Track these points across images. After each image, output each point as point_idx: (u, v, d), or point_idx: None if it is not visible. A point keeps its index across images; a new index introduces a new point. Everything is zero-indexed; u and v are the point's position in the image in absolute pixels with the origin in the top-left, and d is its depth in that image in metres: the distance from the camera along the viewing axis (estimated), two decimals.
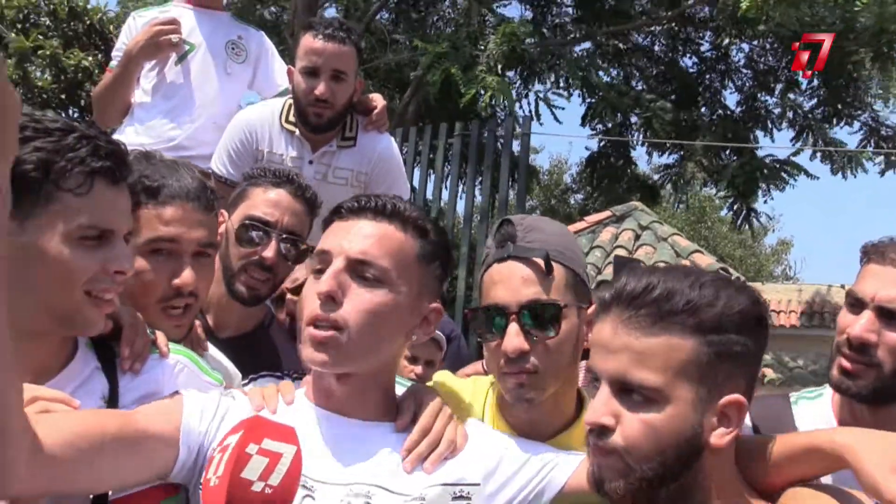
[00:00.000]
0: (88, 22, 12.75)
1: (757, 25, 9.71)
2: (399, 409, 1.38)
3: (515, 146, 9.01)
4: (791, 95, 11.41)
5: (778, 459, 1.14)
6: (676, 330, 1.06)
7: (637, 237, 8.49)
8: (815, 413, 1.70)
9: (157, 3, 3.29)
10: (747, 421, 1.44)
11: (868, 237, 1.66)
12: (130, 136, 3.10)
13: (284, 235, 1.96)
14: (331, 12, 12.12)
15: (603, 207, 10.61)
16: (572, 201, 23.09)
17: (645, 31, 12.24)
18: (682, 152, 11.57)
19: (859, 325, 1.54)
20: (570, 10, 12.31)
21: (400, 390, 1.44)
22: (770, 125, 11.51)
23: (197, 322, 1.74)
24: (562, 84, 11.11)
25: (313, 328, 1.26)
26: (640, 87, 12.13)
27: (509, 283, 1.40)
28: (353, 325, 1.26)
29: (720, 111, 11.89)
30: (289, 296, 2.34)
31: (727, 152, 11.22)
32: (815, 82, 10.92)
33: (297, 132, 2.80)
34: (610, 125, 11.44)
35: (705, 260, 7.87)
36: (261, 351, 2.07)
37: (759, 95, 11.93)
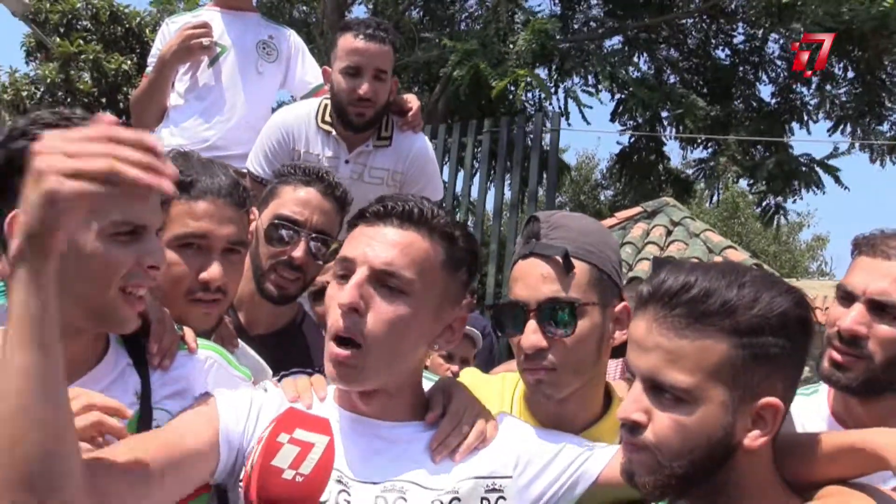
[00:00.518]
0: (127, 26, 12.98)
1: (792, 21, 9.54)
2: (429, 403, 1.38)
3: (545, 142, 8.98)
4: (828, 87, 11.18)
5: (817, 458, 1.13)
6: (710, 332, 1.04)
7: (669, 233, 8.38)
8: (809, 408, 1.69)
9: (189, 7, 3.34)
10: None
11: None
12: (166, 137, 3.15)
13: (314, 235, 1.96)
14: (359, 11, 12.19)
15: (634, 203, 10.51)
16: (602, 197, 22.92)
17: (677, 23, 12.09)
18: (715, 146, 11.42)
19: (850, 317, 1.54)
20: (599, 3, 12.21)
21: (427, 385, 1.44)
22: (806, 117, 11.30)
23: (227, 318, 1.75)
24: (591, 80, 11.03)
25: (335, 345, 1.25)
26: (671, 81, 11.98)
27: (529, 279, 1.41)
28: (374, 338, 1.23)
29: (754, 104, 11.71)
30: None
31: (760, 146, 11.05)
32: (851, 74, 10.70)
33: (334, 132, 2.81)
34: (640, 120, 11.34)
35: (738, 256, 7.74)
36: (292, 348, 2.08)
37: (794, 87, 11.72)
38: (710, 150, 11.84)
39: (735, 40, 12.22)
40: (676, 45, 12.44)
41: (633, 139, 12.11)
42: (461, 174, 9.16)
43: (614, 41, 11.97)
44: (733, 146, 10.91)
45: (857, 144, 10.75)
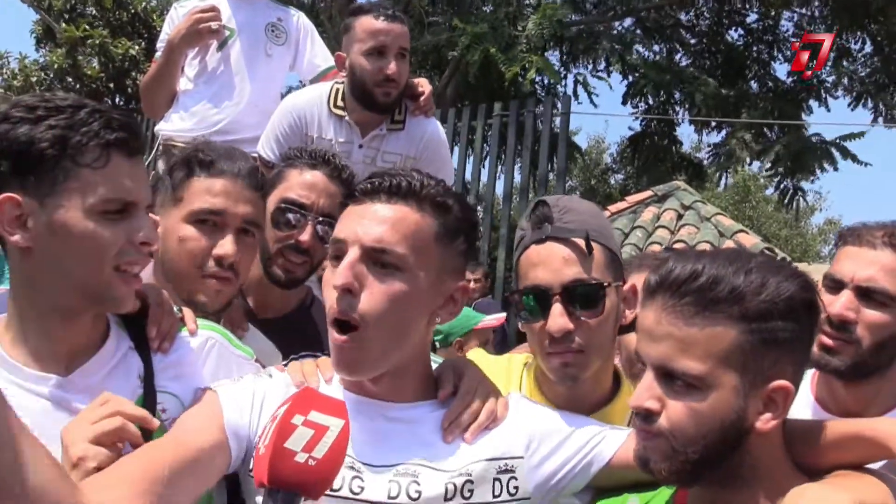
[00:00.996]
0: (133, 11, 12.98)
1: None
2: (439, 382, 1.37)
3: (555, 126, 8.91)
4: (844, 63, 11.03)
5: (825, 444, 1.14)
6: (720, 319, 1.05)
7: (679, 217, 8.32)
8: None
9: None
10: None
11: None
12: (176, 122, 3.15)
13: (321, 218, 1.96)
14: None
15: (645, 187, 10.45)
16: (612, 181, 22.80)
17: (688, 4, 11.95)
18: (728, 128, 11.31)
19: (840, 303, 1.61)
20: None
21: (434, 367, 1.43)
22: (823, 94, 11.15)
23: (236, 303, 1.75)
24: (602, 64, 10.94)
25: (335, 332, 1.24)
26: (683, 63, 11.87)
27: (550, 263, 1.40)
28: (370, 317, 1.22)
29: (769, 83, 11.57)
30: None
31: (775, 128, 10.93)
32: (869, 49, 10.53)
33: (347, 117, 2.80)
34: (652, 103, 11.24)
35: (750, 240, 7.68)
36: (301, 332, 2.08)
37: (810, 64, 11.56)
38: (723, 132, 11.73)
39: (748, 20, 12.08)
40: (688, 27, 12.30)
41: (644, 123, 12.02)
42: (471, 158, 9.12)
43: (626, 23, 11.86)
44: (746, 127, 10.79)
45: (880, 119, 10.59)
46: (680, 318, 1.07)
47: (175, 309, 1.43)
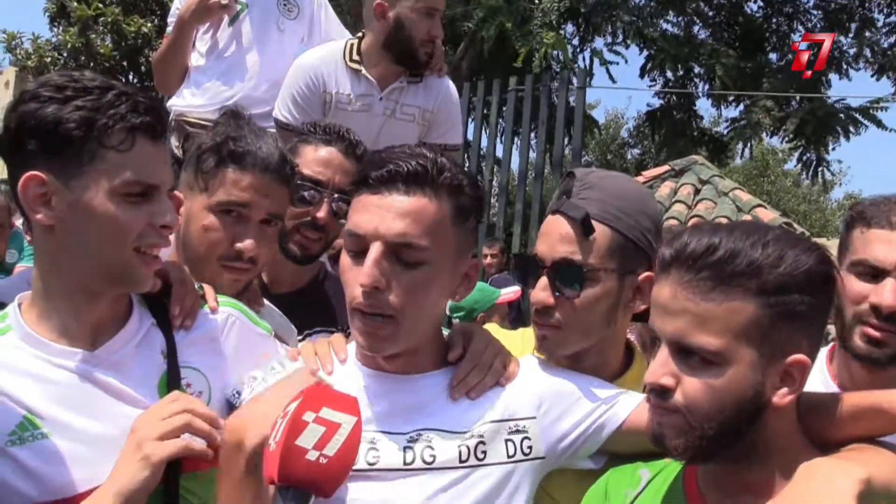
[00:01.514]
0: None
1: None
2: (449, 345, 1.38)
3: (571, 100, 8.83)
4: (867, 34, 10.79)
5: (840, 417, 1.13)
6: (738, 293, 1.03)
7: (697, 191, 8.22)
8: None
9: None
10: None
11: None
12: (188, 98, 3.13)
13: (336, 195, 1.96)
14: None
15: (662, 162, 10.35)
16: (629, 156, 22.62)
17: None
18: (746, 102, 11.15)
19: (891, 293, 1.49)
20: None
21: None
22: (845, 66, 10.94)
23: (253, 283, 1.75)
24: (619, 37, 10.79)
25: (361, 319, 1.25)
26: (702, 36, 11.68)
27: (549, 237, 1.41)
28: (401, 310, 1.24)
29: (789, 55, 11.38)
30: None
31: (796, 99, 10.76)
32: (893, 18, 10.30)
33: (363, 70, 2.80)
34: (670, 76, 11.09)
35: (768, 215, 7.59)
36: (315, 306, 2.08)
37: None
38: (742, 105, 11.57)
39: None
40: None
41: (663, 97, 11.87)
42: (486, 134, 9.07)
43: None
44: (765, 99, 10.62)
45: None
46: (697, 292, 1.04)
47: (196, 286, 1.45)
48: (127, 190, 1.20)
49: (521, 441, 1.31)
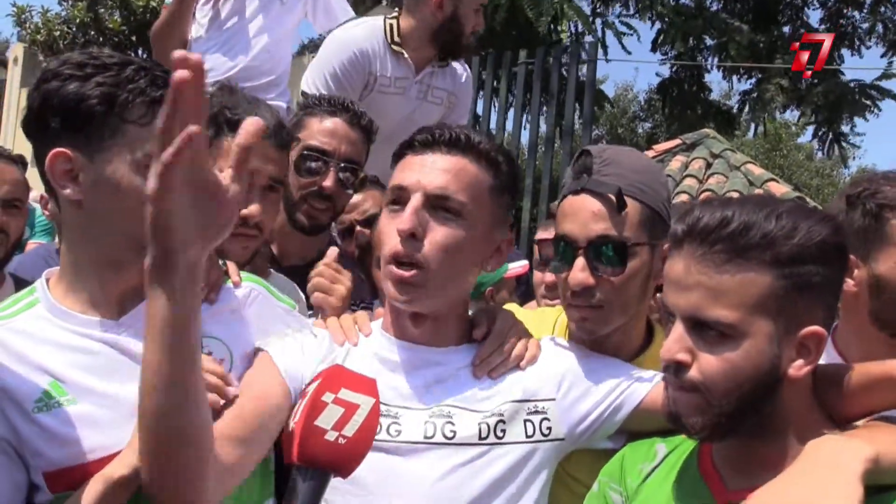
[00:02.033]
0: None
1: None
2: (474, 322, 1.42)
3: (581, 73, 8.73)
4: (882, 9, 10.61)
5: (854, 388, 1.12)
6: (752, 265, 1.03)
7: (708, 165, 8.15)
8: None
9: None
10: None
11: None
12: None
13: (343, 164, 1.98)
14: None
15: (673, 135, 10.26)
16: (640, 130, 22.44)
17: None
18: (759, 75, 11.00)
19: None
20: None
21: None
22: (858, 42, 10.78)
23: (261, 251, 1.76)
24: (631, 10, 10.64)
25: (395, 267, 1.29)
26: (714, 9, 11.50)
27: (579, 216, 1.39)
28: (433, 261, 1.28)
29: (802, 30, 11.21)
30: (358, 228, 2.35)
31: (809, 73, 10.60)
32: None
33: (405, 53, 2.80)
34: (682, 50, 10.95)
35: (780, 189, 7.52)
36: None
37: (845, 11, 11.16)
38: (754, 79, 11.42)
39: None
40: None
41: (674, 69, 11.73)
42: (495, 107, 9.00)
43: None
44: (779, 73, 10.47)
45: None
46: (711, 266, 1.04)
47: (220, 262, 1.48)
48: (149, 162, 1.19)
49: (541, 422, 1.34)
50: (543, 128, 9.17)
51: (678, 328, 1.08)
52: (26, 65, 16.26)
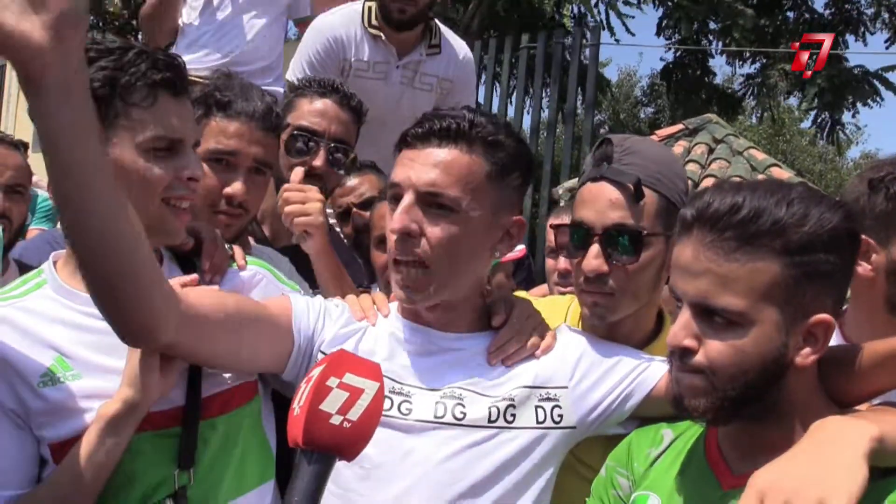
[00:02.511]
0: None
1: None
2: (492, 311, 1.42)
3: (584, 57, 8.69)
4: None
5: (863, 368, 1.11)
6: (762, 253, 1.01)
7: (711, 151, 8.12)
8: None
9: None
10: None
11: None
12: (182, 54, 3.09)
13: (332, 144, 2.00)
14: None
15: (676, 121, 10.22)
16: (642, 115, 22.35)
17: None
18: (764, 60, 10.93)
19: None
20: None
21: None
22: (862, 28, 10.69)
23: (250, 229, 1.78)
24: None
25: (395, 267, 1.31)
26: None
27: (597, 203, 1.40)
28: (432, 259, 1.28)
29: (806, 15, 11.12)
30: (355, 210, 2.35)
31: (813, 59, 10.53)
32: None
33: (383, 36, 2.77)
34: (686, 34, 10.88)
35: (783, 174, 7.49)
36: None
37: None
38: (758, 64, 11.34)
39: None
40: None
41: (678, 54, 11.66)
42: (497, 91, 8.96)
43: None
44: (783, 59, 10.41)
45: None
46: (720, 253, 1.03)
47: (227, 246, 1.51)
48: (153, 144, 1.25)
49: (552, 409, 1.34)
50: (545, 112, 9.14)
51: (685, 314, 1.07)
52: None
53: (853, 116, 11.89)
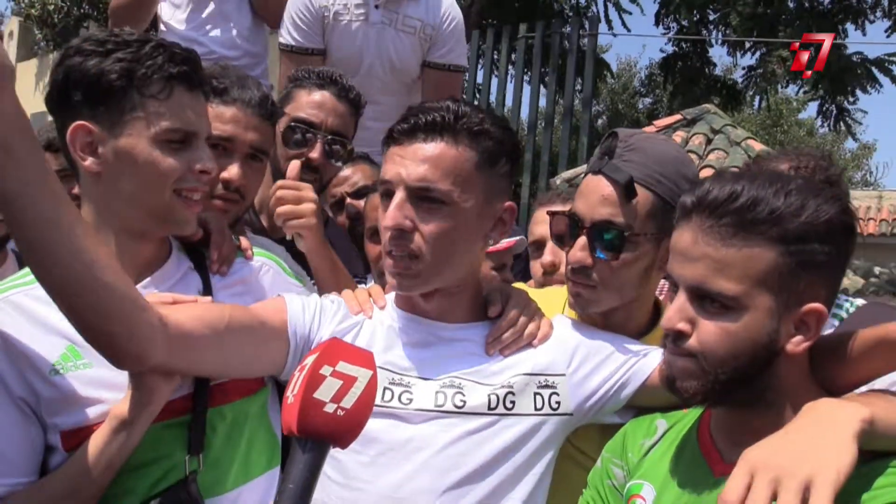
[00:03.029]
0: None
1: None
2: (488, 302, 1.43)
3: (583, 44, 8.67)
4: None
5: (852, 355, 1.12)
6: (758, 240, 1.03)
7: (709, 141, 8.13)
8: None
9: None
10: None
11: None
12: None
13: (329, 136, 2.00)
14: None
15: (673, 111, 10.21)
16: (640, 105, 22.35)
17: None
18: (763, 49, 10.91)
19: None
20: None
21: None
22: (862, 17, 10.67)
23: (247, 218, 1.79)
24: None
25: (390, 260, 1.32)
26: None
27: (590, 197, 1.41)
28: (426, 252, 1.30)
29: (806, 4, 11.10)
30: (348, 200, 2.36)
31: (812, 49, 10.51)
32: None
33: None
34: (686, 23, 10.86)
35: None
36: None
37: None
38: (757, 53, 11.32)
39: None
40: None
41: (677, 44, 11.63)
42: (495, 81, 8.94)
43: None
44: (782, 47, 10.39)
45: None
46: (717, 238, 1.04)
47: (234, 238, 1.53)
48: (166, 137, 1.28)
49: (550, 396, 1.36)
50: (543, 103, 9.12)
51: (680, 298, 1.08)
52: (21, 39, 16.14)
53: (853, 103, 11.89)
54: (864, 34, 11.21)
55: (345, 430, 1.03)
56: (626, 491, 1.23)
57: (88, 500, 1.23)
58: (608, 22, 10.36)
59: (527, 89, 9.12)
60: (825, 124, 11.60)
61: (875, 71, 10.13)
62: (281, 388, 1.44)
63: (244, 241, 1.54)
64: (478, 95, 9.71)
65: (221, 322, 1.26)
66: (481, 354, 1.38)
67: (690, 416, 1.24)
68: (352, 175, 2.35)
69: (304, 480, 0.99)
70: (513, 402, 1.33)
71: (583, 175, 1.49)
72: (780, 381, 1.09)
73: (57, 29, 15.69)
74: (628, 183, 1.36)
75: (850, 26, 10.97)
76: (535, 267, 2.13)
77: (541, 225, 2.12)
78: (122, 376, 1.23)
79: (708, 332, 1.06)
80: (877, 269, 9.23)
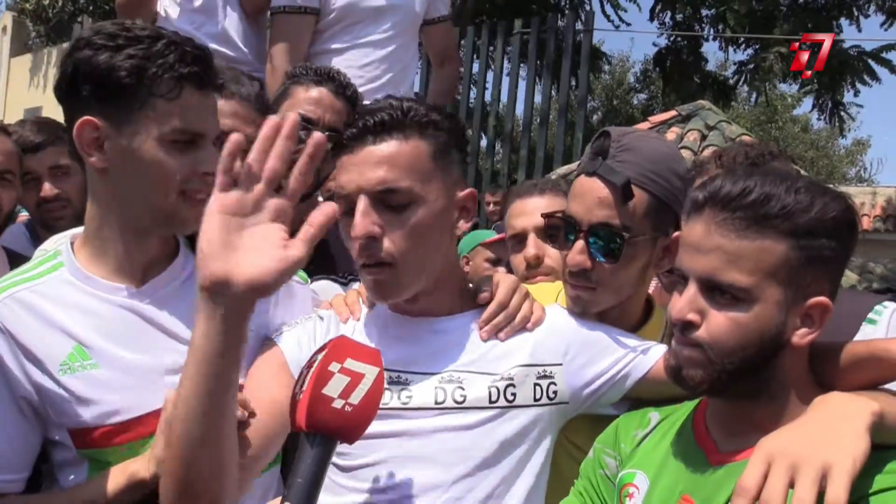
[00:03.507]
0: None
1: None
2: (478, 289, 1.43)
3: (579, 39, 8.67)
4: None
5: (844, 365, 1.15)
6: (771, 234, 1.07)
7: (703, 137, 8.14)
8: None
9: None
10: None
11: None
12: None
13: (327, 133, 1.98)
14: None
15: (669, 107, 10.22)
16: (635, 101, 22.35)
17: None
18: (758, 45, 10.92)
19: None
20: None
21: None
22: (856, 12, 10.68)
23: None
24: None
25: (364, 271, 1.30)
26: None
27: (586, 200, 1.41)
28: (400, 257, 1.28)
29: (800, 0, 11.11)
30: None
31: (807, 45, 10.53)
32: None
33: None
34: (680, 18, 10.86)
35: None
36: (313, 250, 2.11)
37: None
38: (751, 49, 11.33)
39: None
40: None
41: (671, 40, 11.64)
42: (490, 77, 8.93)
43: None
44: (777, 43, 10.40)
45: None
46: (731, 230, 1.08)
47: None
48: (174, 137, 1.27)
49: (548, 386, 1.36)
50: (538, 99, 9.11)
51: (691, 289, 1.11)
52: (15, 34, 16.06)
53: (855, 95, 11.89)
54: (860, 30, 11.25)
55: (352, 426, 1.05)
56: (619, 480, 1.25)
57: None
58: (606, 16, 10.33)
59: (522, 85, 9.14)
60: (821, 118, 11.63)
61: (872, 63, 10.13)
62: None
63: None
64: (473, 91, 9.72)
65: (268, 434, 1.23)
66: (477, 342, 1.37)
67: (684, 408, 1.26)
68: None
69: (312, 475, 1.01)
70: (514, 395, 1.33)
71: (574, 177, 1.48)
72: (784, 374, 1.12)
73: (51, 24, 15.64)
74: (625, 185, 1.36)
75: (844, 21, 10.98)
76: (518, 260, 2.12)
77: (520, 217, 2.10)
78: (129, 379, 1.25)
79: (718, 322, 1.08)
80: (871, 265, 9.29)
